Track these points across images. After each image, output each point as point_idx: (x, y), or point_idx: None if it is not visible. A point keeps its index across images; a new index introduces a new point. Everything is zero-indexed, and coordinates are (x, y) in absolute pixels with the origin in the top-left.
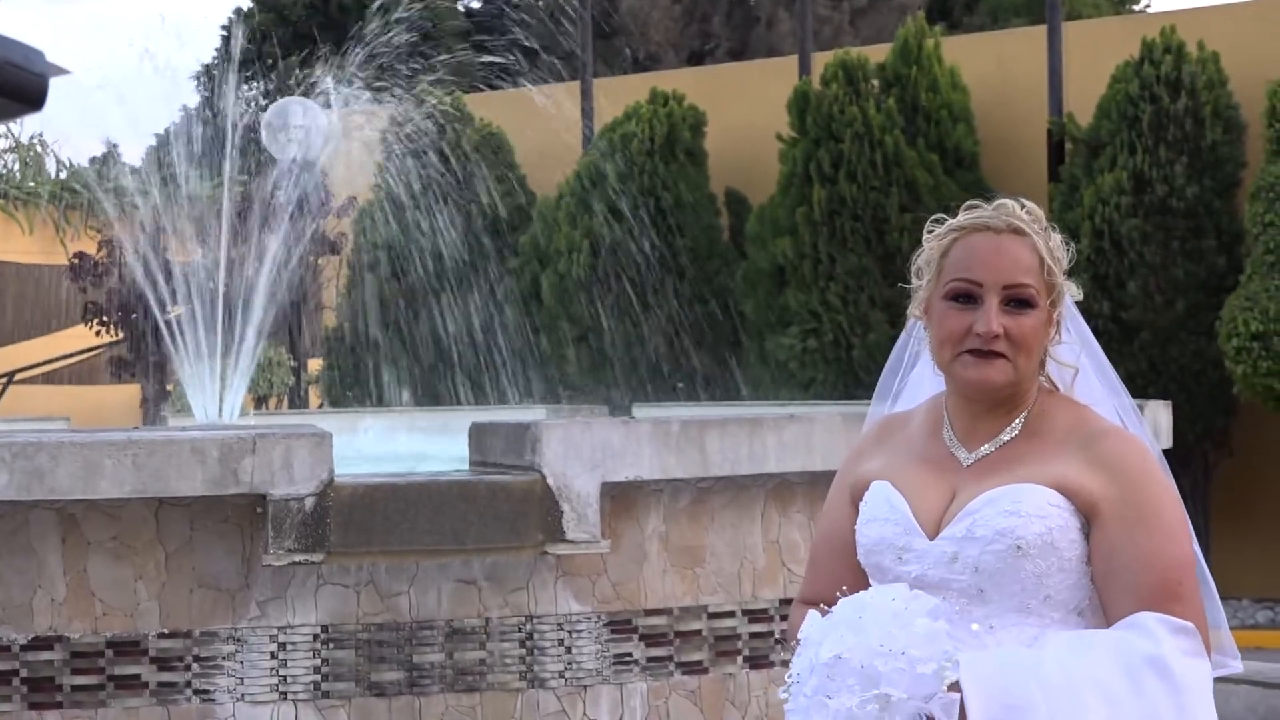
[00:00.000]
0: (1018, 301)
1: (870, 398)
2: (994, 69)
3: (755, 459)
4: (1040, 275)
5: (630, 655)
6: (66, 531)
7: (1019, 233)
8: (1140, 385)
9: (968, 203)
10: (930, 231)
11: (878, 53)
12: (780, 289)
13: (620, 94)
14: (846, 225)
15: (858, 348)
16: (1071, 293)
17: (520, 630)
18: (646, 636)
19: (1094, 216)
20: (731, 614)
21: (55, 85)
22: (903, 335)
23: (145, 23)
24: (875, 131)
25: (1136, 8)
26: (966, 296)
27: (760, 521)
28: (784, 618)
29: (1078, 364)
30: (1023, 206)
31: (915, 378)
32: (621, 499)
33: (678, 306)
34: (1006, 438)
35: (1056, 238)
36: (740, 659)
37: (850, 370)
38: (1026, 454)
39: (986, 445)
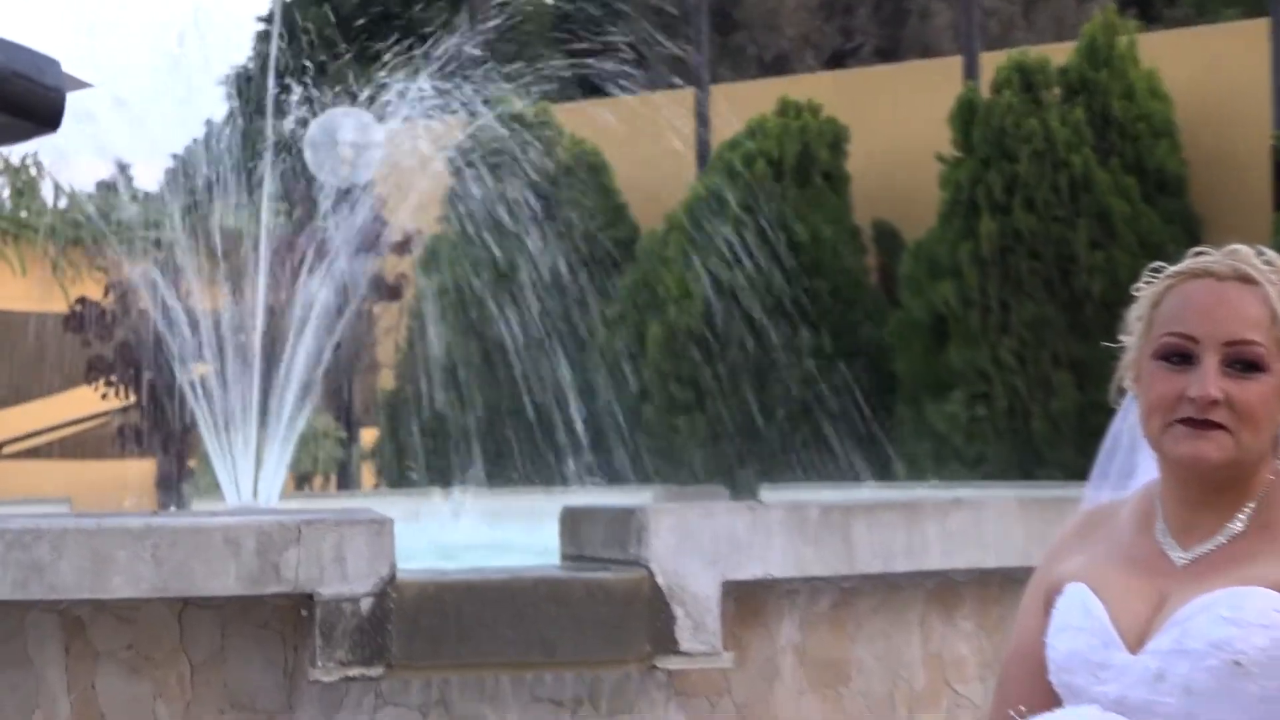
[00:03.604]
0: (1243, 363)
1: (1054, 478)
2: (1203, 72)
3: (912, 553)
4: (1272, 332)
5: None
6: (70, 638)
7: (1247, 280)
8: None
9: (1194, 249)
10: (1148, 282)
11: (1059, 52)
12: (941, 344)
13: (743, 104)
14: (1023, 265)
15: (1038, 416)
16: None
17: None
18: None
19: None
20: None
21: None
22: (1120, 411)
23: (165, 19)
24: (1058, 149)
25: None
26: (1179, 355)
27: (918, 630)
28: None
29: None
30: (1260, 254)
31: (1147, 458)
32: (747, 602)
33: (814, 365)
34: (1231, 533)
35: None
36: None
37: (1029, 444)
38: (1255, 552)
39: (1206, 542)
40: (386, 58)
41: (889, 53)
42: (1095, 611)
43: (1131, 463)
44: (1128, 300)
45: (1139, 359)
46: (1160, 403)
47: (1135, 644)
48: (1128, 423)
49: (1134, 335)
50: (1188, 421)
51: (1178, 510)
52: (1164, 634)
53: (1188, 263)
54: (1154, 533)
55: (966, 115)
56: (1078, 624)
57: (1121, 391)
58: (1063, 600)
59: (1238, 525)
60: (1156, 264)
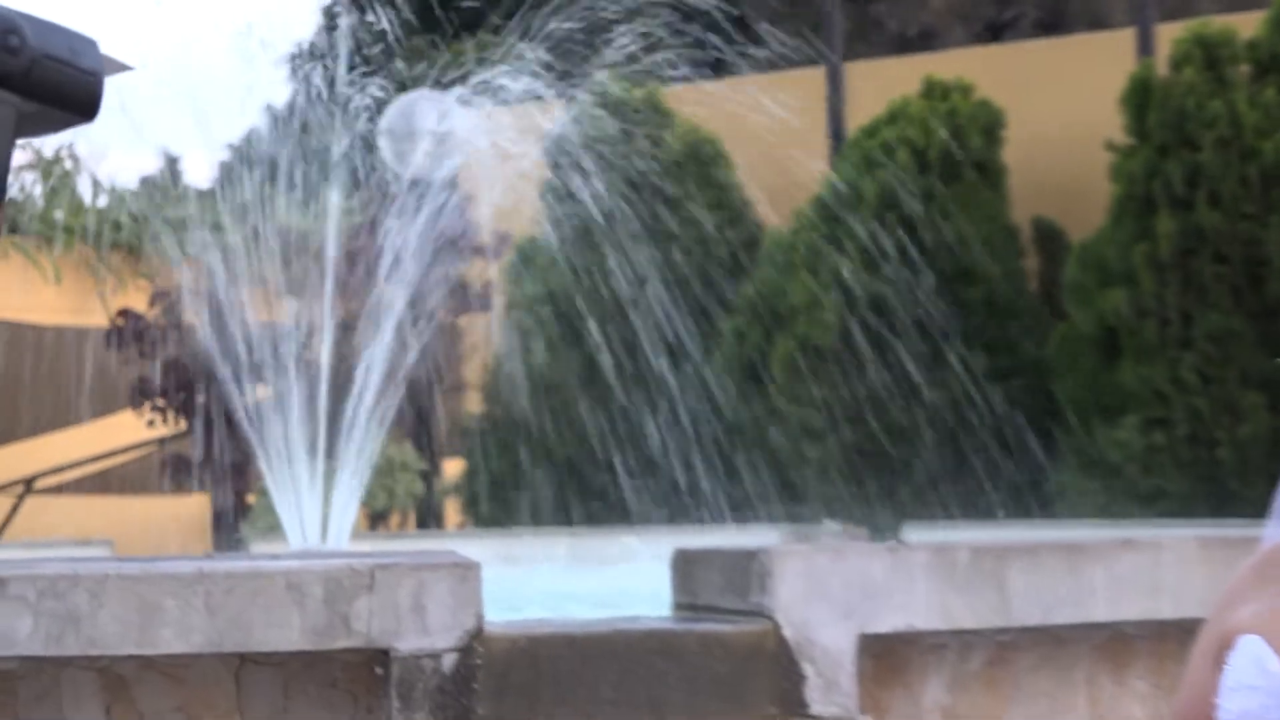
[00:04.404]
0: None
1: (1243, 515)
2: None
3: (1077, 602)
4: None
5: None
6: (112, 699)
7: None
8: None
9: None
10: None
11: (1248, 23)
12: (1112, 361)
13: (883, 84)
14: (1207, 269)
15: (1224, 444)
16: None
17: None
18: None
19: None
20: None
21: (112, 85)
22: None
23: None
24: (1247, 135)
25: None
26: None
27: (1085, 691)
28: None
29: None
30: None
31: None
32: (888, 658)
33: (965, 386)
34: None
35: None
36: None
37: (1213, 476)
38: None
39: None
40: (473, 33)
41: (1052, 25)
42: (1272, 668)
43: None
44: None
45: None
46: None
47: None
48: None
49: None
50: None
51: None
52: None
53: None
54: None
55: (1141, 97)
56: (1251, 683)
57: None
58: (1235, 655)
59: None
60: None
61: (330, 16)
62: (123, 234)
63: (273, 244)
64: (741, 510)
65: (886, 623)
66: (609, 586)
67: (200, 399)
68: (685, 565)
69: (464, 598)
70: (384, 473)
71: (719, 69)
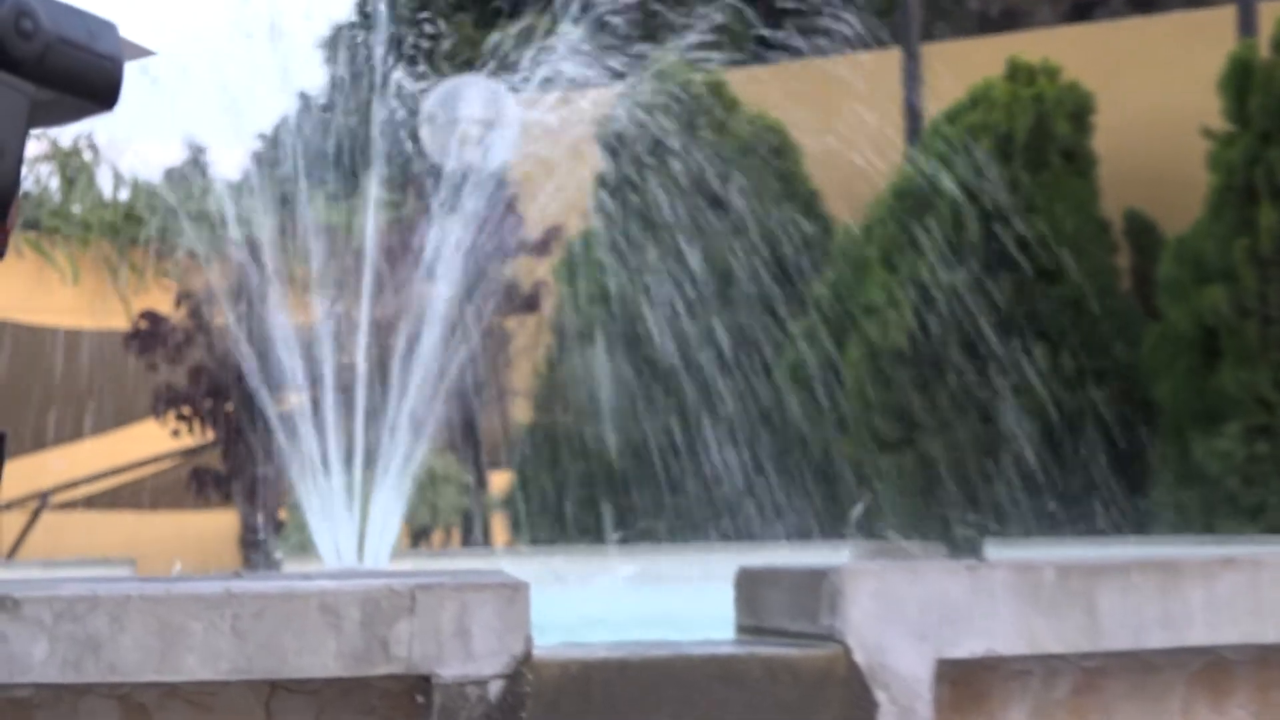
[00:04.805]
0: None
1: None
2: None
3: (1172, 625)
4: None
5: None
6: None
7: None
8: None
9: None
10: None
11: None
12: (1211, 364)
13: (963, 66)
14: None
15: None
16: None
17: None
18: None
19: None
20: None
21: (132, 71)
22: None
23: None
24: None
25: None
26: None
27: None
28: None
29: None
30: None
31: None
32: (967, 684)
33: (1052, 390)
34: None
35: None
36: None
37: None
38: None
39: None
40: (521, 15)
41: (1145, 2)
42: None
43: None
44: None
45: None
46: None
47: None
48: None
49: None
50: None
51: None
52: None
53: None
54: None
55: (1241, 79)
56: None
57: None
58: None
59: None
60: None
61: None
62: (145, 230)
63: (307, 240)
64: (809, 526)
65: (966, 647)
66: (667, 607)
67: (228, 407)
68: (749, 585)
69: (512, 620)
70: (426, 486)
71: (786, 52)
